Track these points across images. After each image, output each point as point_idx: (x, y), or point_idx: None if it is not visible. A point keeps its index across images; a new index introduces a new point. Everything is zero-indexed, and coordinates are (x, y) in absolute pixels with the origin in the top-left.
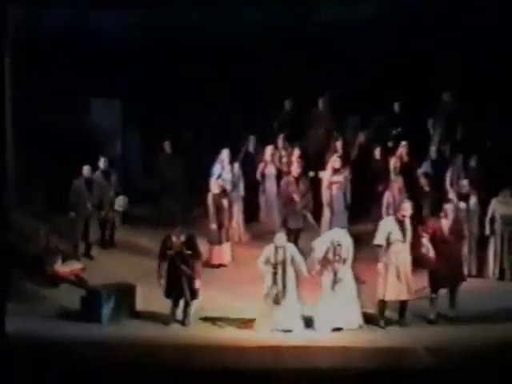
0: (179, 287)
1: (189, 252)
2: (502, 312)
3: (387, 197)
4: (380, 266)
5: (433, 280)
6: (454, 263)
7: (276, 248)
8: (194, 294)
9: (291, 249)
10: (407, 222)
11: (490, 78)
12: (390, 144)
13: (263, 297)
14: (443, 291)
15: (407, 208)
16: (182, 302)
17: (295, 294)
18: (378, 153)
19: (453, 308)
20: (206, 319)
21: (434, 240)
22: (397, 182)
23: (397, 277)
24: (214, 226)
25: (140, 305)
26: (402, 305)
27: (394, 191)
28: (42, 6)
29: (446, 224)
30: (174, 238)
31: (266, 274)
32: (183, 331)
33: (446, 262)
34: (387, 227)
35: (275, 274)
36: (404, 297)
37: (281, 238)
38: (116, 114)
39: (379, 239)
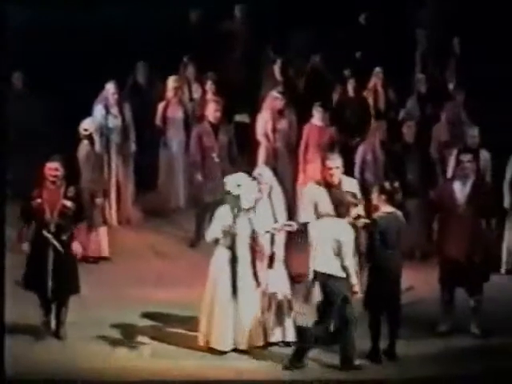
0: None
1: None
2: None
3: (361, 152)
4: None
5: (444, 275)
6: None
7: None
8: (72, 286)
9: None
10: (347, 186)
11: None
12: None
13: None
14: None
15: (334, 163)
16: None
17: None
18: (351, 86)
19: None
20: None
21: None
22: (378, 130)
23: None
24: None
25: (10, 318)
26: None
27: (372, 144)
28: None
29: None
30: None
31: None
32: (59, 347)
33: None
34: (311, 197)
35: None
36: None
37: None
38: None
39: (305, 216)
